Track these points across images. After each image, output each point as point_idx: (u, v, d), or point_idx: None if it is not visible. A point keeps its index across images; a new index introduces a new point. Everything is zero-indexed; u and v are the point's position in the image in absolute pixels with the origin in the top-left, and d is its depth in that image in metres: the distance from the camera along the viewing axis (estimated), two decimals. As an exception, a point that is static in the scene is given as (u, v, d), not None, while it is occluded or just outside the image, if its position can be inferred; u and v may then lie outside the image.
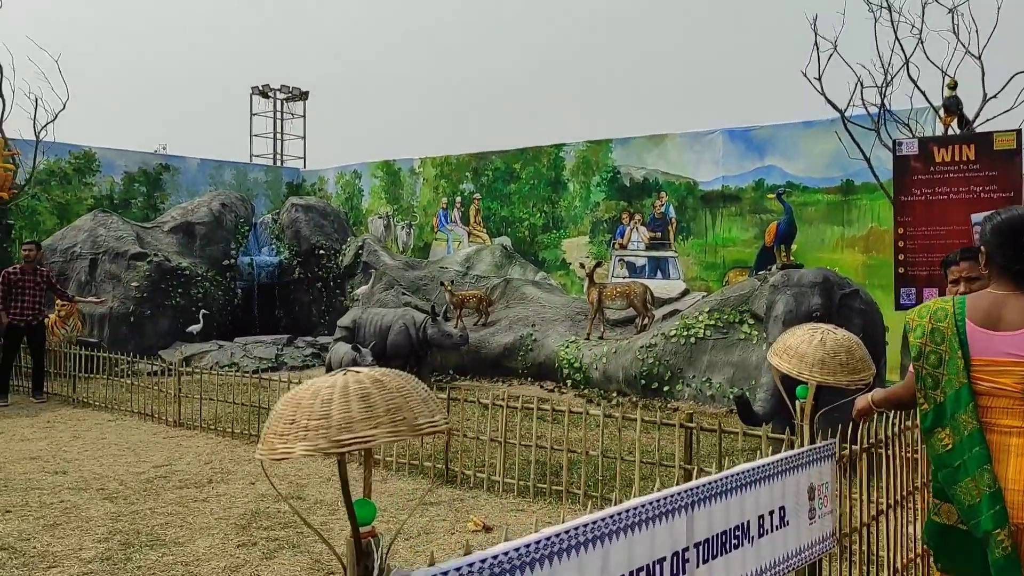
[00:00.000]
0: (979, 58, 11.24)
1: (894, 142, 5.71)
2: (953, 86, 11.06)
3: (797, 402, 3.62)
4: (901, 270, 5.82)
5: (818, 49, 11.64)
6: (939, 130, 12.02)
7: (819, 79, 11.54)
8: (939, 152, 5.70)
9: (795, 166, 15.06)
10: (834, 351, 3.44)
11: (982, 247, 3.13)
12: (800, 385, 3.57)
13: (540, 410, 7.07)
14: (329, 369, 13.49)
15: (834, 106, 11.58)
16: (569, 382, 13.19)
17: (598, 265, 14.42)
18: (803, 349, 3.46)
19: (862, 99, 11.73)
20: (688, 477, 6.11)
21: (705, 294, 14.34)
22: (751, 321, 11.87)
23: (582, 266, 14.24)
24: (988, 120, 10.95)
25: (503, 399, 7.29)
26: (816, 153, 14.84)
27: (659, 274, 16.63)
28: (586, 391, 12.76)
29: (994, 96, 10.77)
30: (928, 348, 3.10)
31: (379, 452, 7.97)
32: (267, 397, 9.93)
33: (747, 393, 7.52)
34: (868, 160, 11.55)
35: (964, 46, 11.32)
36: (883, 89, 11.48)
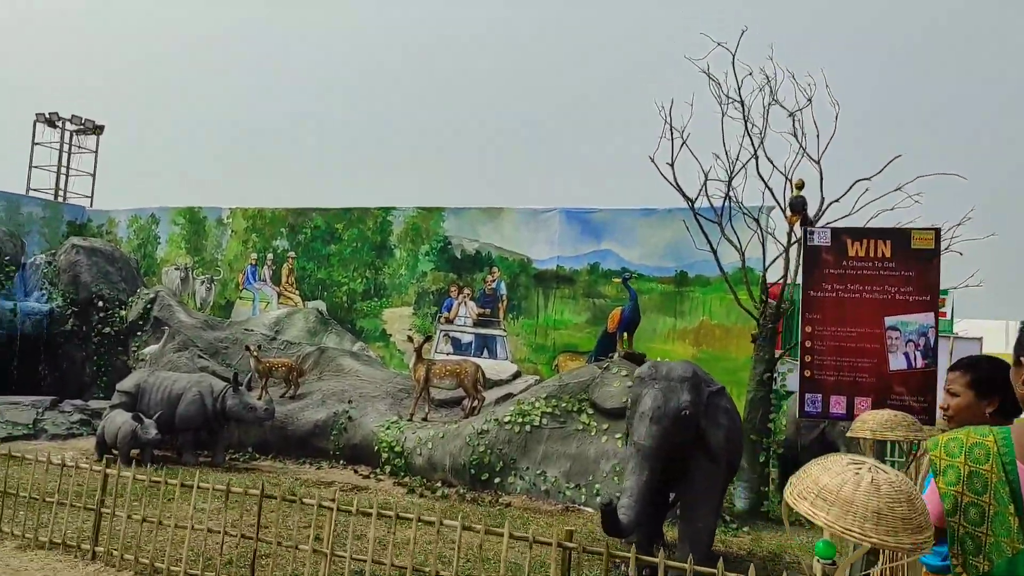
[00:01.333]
0: (818, 162, 11.39)
1: (805, 230, 5.14)
2: (800, 186, 11.10)
3: (816, 562, 2.63)
4: (807, 373, 5.18)
5: (672, 137, 11.41)
6: (783, 227, 12.07)
7: (671, 165, 11.28)
8: (853, 245, 5.18)
9: (631, 253, 14.81)
10: (893, 500, 2.48)
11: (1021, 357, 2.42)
12: (823, 540, 2.57)
13: (382, 515, 5.76)
14: (102, 441, 11.34)
15: (683, 194, 11.34)
16: (388, 468, 11.81)
17: (427, 339, 13.29)
18: (848, 494, 2.46)
19: (704, 191, 11.55)
20: (567, 613, 5.03)
21: (538, 378, 13.56)
22: (590, 411, 11.15)
23: (410, 339, 13.08)
24: (830, 223, 11.05)
25: (332, 499, 5.93)
26: (653, 241, 14.68)
27: (486, 352, 15.73)
28: (407, 479, 11.45)
29: (836, 200, 10.90)
30: (966, 499, 2.30)
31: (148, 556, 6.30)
32: (19, 474, 7.89)
33: (612, 499, 6.59)
34: (715, 251, 11.33)
35: (803, 149, 11.45)
36: (730, 182, 11.38)
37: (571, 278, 15.23)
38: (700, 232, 12.60)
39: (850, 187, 10.86)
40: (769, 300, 11.13)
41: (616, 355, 11.52)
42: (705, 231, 12.22)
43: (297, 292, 18.12)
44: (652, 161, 11.82)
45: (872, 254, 5.24)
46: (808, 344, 5.23)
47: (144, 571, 6.37)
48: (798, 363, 15.20)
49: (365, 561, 5.72)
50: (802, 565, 8.15)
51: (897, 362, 5.14)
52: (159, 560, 6.44)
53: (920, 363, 5.12)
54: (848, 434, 4.42)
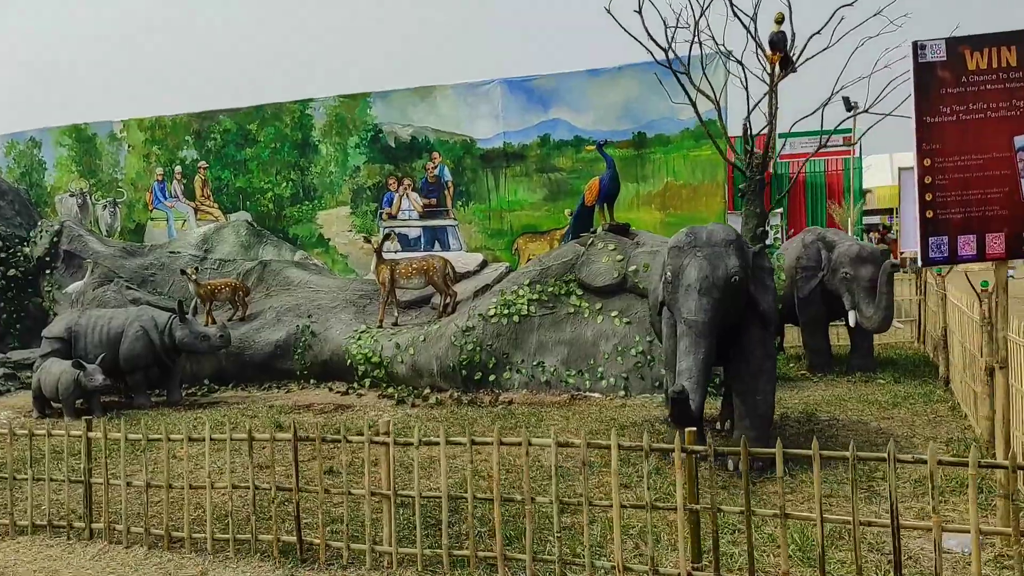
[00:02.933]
0: (787, -3, 10.49)
1: (915, 45, 4.28)
2: (780, 20, 10.27)
3: None
4: (928, 213, 4.47)
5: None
6: (727, 81, 11.28)
7: (639, 11, 10.20)
8: (972, 57, 4.39)
9: (584, 118, 13.83)
10: None
11: None
12: None
13: (451, 441, 4.87)
14: (40, 395, 10.01)
15: (656, 42, 10.34)
16: (367, 381, 10.89)
17: (387, 239, 12.17)
18: None
19: (667, 43, 10.56)
20: (697, 526, 4.34)
21: (507, 266, 12.67)
22: (579, 292, 10.42)
23: (367, 240, 11.93)
24: (810, 59, 10.31)
25: (385, 432, 5.00)
26: (606, 104, 13.71)
27: (437, 246, 14.70)
28: (391, 390, 10.58)
29: (817, 32, 10.12)
30: None
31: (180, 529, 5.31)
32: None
33: (683, 386, 5.87)
34: (694, 103, 10.46)
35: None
36: (696, 25, 10.41)
37: (521, 154, 14.19)
38: (660, 87, 11.74)
39: (832, 14, 10.09)
40: (755, 150, 10.43)
41: (600, 229, 10.71)
42: (665, 87, 11.35)
43: (216, 205, 16.50)
44: (609, 12, 10.73)
45: (995, 64, 4.46)
46: (928, 180, 4.49)
47: (159, 543, 5.38)
48: (779, 218, 14.76)
49: (437, 497, 4.87)
50: (836, 420, 7.80)
51: (1032, 188, 4.45)
52: (177, 529, 5.45)
53: (1058, 187, 4.44)
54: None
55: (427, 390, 10.38)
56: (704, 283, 6.32)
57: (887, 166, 31.35)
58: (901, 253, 12.23)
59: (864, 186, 27.46)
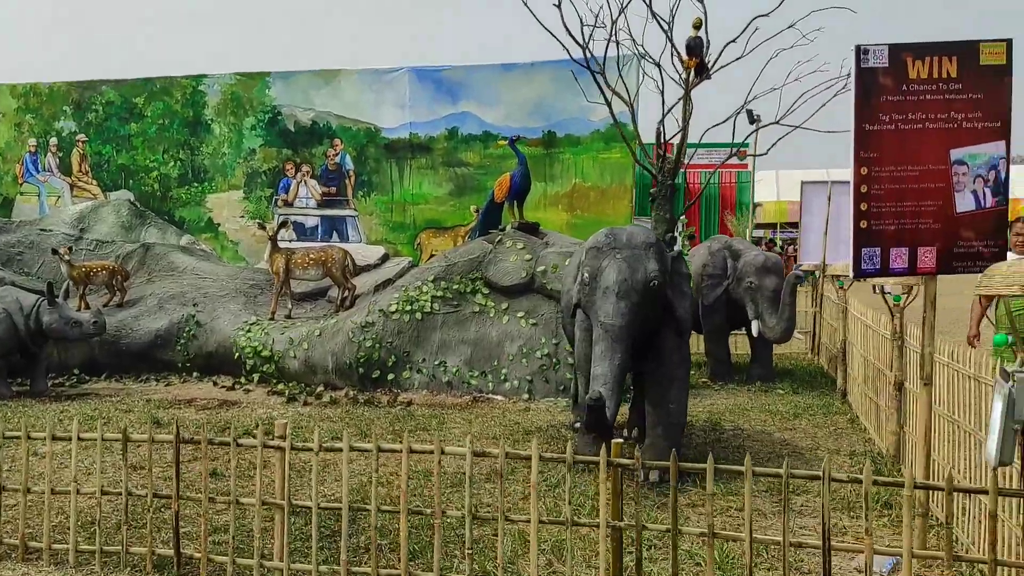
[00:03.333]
0: (701, 1, 10.44)
1: (858, 49, 4.15)
2: (698, 25, 10.20)
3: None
4: (863, 223, 4.34)
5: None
6: (642, 84, 11.22)
7: (558, 5, 9.94)
8: (914, 66, 4.28)
9: (493, 113, 13.52)
10: None
11: None
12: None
13: (330, 448, 4.43)
14: None
15: (576, 40, 10.10)
16: (256, 376, 10.25)
17: (283, 226, 11.51)
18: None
19: (584, 41, 10.36)
20: (620, 543, 4.06)
21: (410, 260, 12.21)
22: (485, 290, 10.09)
23: (262, 227, 11.24)
24: (724, 67, 10.30)
25: (280, 436, 4.52)
26: (516, 100, 13.44)
27: (335, 236, 14.09)
28: (280, 386, 9.97)
29: (733, 41, 10.10)
30: None
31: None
32: None
33: (600, 392, 5.62)
34: (609, 103, 10.28)
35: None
36: (614, 24, 10.23)
37: (427, 146, 13.75)
38: (573, 87, 11.57)
39: (748, 24, 10.09)
40: (666, 155, 10.34)
41: (509, 227, 10.40)
42: (580, 85, 11.18)
43: (94, 182, 15.37)
44: (526, 5, 10.45)
45: (936, 74, 4.37)
46: (864, 189, 4.36)
47: (12, 554, 4.74)
48: (682, 232, 14.74)
49: (338, 507, 4.43)
50: (740, 431, 7.74)
51: (965, 202, 4.40)
52: (35, 539, 4.81)
53: (990, 201, 4.41)
54: (979, 291, 3.62)
55: (320, 388, 9.84)
56: (623, 286, 6.09)
57: (773, 182, 32.49)
58: (799, 266, 12.41)
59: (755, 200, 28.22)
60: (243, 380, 10.27)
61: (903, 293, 6.24)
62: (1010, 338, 3.74)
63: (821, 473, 3.68)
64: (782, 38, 10.08)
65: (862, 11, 10.25)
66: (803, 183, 12.21)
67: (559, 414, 8.78)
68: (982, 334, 6.83)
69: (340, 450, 4.38)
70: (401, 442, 4.31)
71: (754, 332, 9.98)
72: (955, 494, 3.62)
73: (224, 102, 14.64)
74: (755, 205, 28.91)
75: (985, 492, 3.49)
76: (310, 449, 4.43)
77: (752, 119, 14.37)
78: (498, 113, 13.47)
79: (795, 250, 17.38)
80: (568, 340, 7.74)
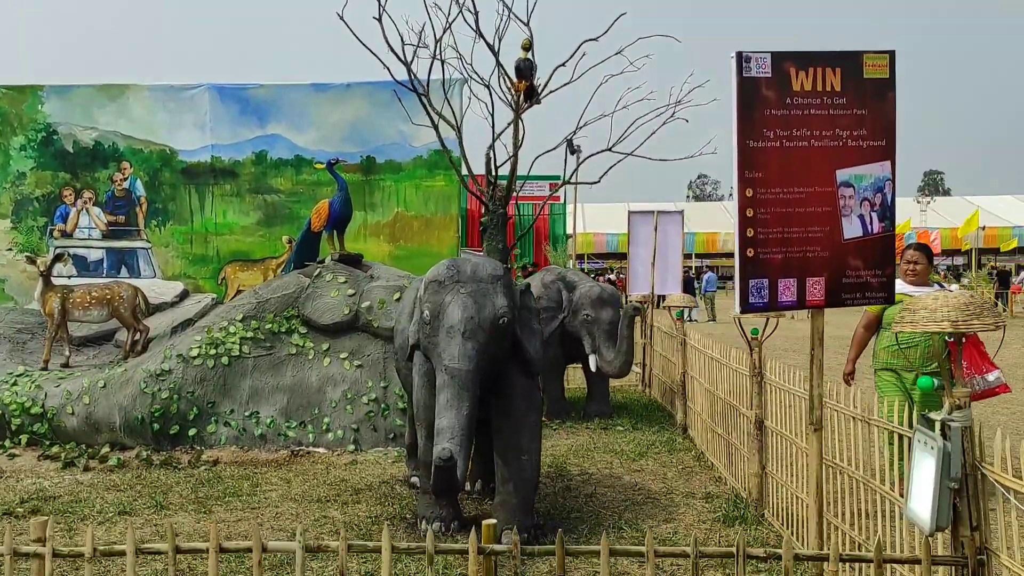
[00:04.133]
0: (527, 24, 10.04)
1: (739, 56, 3.73)
2: (527, 47, 9.76)
3: None
4: (749, 252, 3.88)
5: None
6: (473, 106, 10.71)
7: (379, 19, 9.15)
8: (798, 76, 3.90)
9: (305, 137, 12.44)
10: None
11: None
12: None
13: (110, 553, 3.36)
14: None
15: (399, 58, 9.34)
16: (24, 438, 8.59)
17: (58, 259, 9.85)
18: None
19: (406, 60, 9.66)
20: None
21: (214, 297, 10.85)
22: (302, 330, 9.06)
23: (31, 260, 9.54)
24: (555, 91, 9.91)
25: (38, 540, 3.38)
26: (331, 123, 12.44)
27: (125, 271, 12.43)
28: (55, 449, 8.41)
29: (562, 64, 9.73)
30: None
31: None
32: None
33: (448, 449, 4.84)
34: (436, 126, 9.58)
35: (509, 9, 9.98)
36: (438, 48, 9.61)
37: (232, 171, 12.44)
38: (391, 110, 10.91)
39: (577, 48, 9.77)
40: (498, 182, 9.78)
41: (328, 259, 9.42)
42: (404, 108, 10.47)
43: None
44: (341, 18, 9.60)
45: (820, 87, 4.00)
46: (749, 213, 3.89)
47: None
48: (516, 264, 14.28)
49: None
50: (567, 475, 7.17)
51: (852, 228, 4.05)
52: None
53: (877, 227, 4.07)
54: (901, 328, 3.18)
55: (106, 448, 8.37)
56: (469, 324, 5.37)
57: (579, 215, 33.28)
58: (629, 296, 12.24)
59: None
60: (7, 444, 8.59)
61: (763, 325, 5.91)
62: (936, 381, 3.33)
63: (735, 549, 3.09)
64: (611, 64, 9.86)
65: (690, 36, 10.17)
66: (630, 212, 12.08)
67: (391, 466, 7.89)
68: (857, 370, 6.62)
69: (122, 553, 3.31)
70: (208, 529, 3.31)
71: (592, 367, 9.55)
72: (885, 566, 3.14)
73: (-13, 118, 12.62)
74: (567, 236, 29.30)
75: (918, 561, 3.02)
76: (81, 555, 3.33)
77: (573, 149, 14.17)
78: (311, 136, 12.41)
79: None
80: (403, 385, 6.89)
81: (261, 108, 12.47)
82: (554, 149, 10.44)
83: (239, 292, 11.66)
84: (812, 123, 4.01)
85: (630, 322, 9.30)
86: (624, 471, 7.60)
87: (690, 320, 18.06)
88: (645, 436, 9.02)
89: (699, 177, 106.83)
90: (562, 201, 23.88)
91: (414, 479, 7.08)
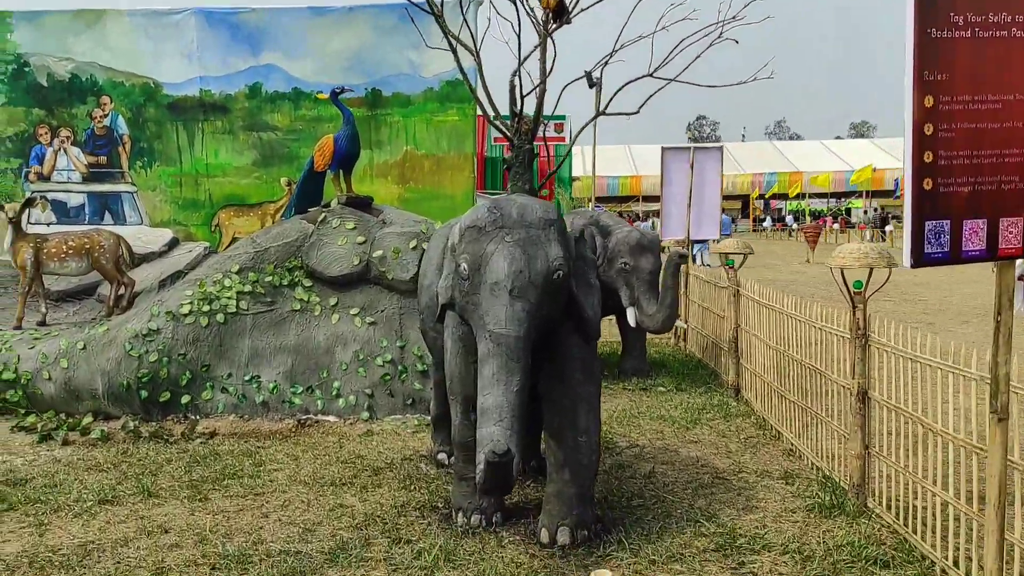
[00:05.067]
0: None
1: None
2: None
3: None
4: (926, 183, 2.80)
5: None
6: (492, 29, 9.53)
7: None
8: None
9: (303, 67, 11.28)
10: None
11: None
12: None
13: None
14: None
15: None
16: (-5, 407, 7.62)
17: (30, 204, 8.75)
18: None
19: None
20: None
21: (207, 246, 9.79)
22: (307, 283, 8.04)
23: (0, 207, 8.46)
24: (587, 8, 8.72)
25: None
26: (331, 51, 11.27)
27: (109, 217, 11.37)
28: (32, 419, 7.44)
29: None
30: None
31: None
32: None
33: (506, 442, 3.87)
34: (454, 50, 8.43)
35: None
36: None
37: (223, 106, 11.29)
38: (399, 36, 9.84)
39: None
40: (525, 113, 8.66)
41: (334, 202, 8.34)
42: (412, 32, 9.30)
43: None
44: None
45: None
46: (927, 130, 2.84)
47: None
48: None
49: None
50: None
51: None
52: None
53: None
54: None
55: (88, 418, 7.40)
56: (518, 280, 4.35)
57: (580, 158, 32.17)
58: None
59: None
60: (-24, 413, 7.63)
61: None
62: None
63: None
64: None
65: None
66: (663, 149, 10.95)
67: (411, 438, 6.94)
68: None
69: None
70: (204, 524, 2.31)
71: (630, 321, 8.55)
72: None
73: (-51, 49, 11.41)
74: (573, 179, 28.14)
75: None
76: None
77: (592, 83, 13.01)
78: (309, 66, 11.24)
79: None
80: (430, 350, 5.89)
81: (253, 35, 11.28)
82: (573, 83, 9.29)
83: (234, 240, 10.63)
84: (1014, 6, 2.92)
85: (675, 271, 8.26)
86: (679, 442, 6.66)
87: (704, 264, 17.01)
88: (693, 399, 8.07)
89: (698, 119, 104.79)
90: (567, 142, 22.78)
91: (441, 455, 6.16)
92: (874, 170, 42.10)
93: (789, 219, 48.69)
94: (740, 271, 8.26)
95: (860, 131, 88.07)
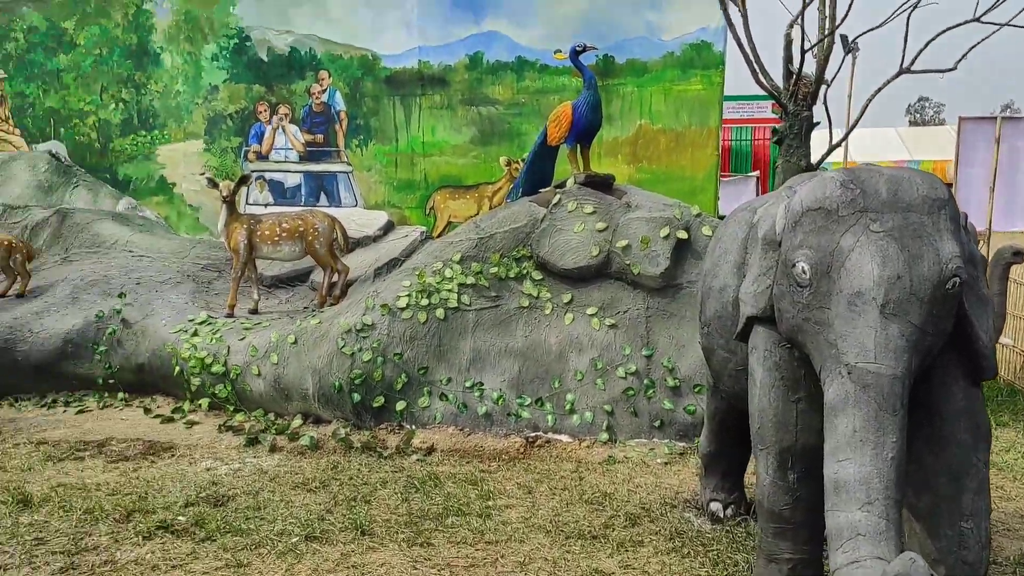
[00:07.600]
0: None
1: None
2: None
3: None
4: None
5: None
6: None
7: None
8: None
9: (529, 34, 10.20)
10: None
11: None
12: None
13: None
14: None
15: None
16: (205, 401, 7.04)
17: (243, 182, 8.17)
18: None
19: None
20: None
21: (423, 230, 8.92)
22: (536, 275, 6.88)
23: (213, 183, 7.91)
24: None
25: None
26: (558, 16, 10.11)
27: (324, 198, 10.84)
28: (240, 417, 6.79)
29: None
30: None
31: None
32: None
33: (915, 559, 2.45)
34: (723, 3, 6.97)
35: None
36: None
37: (442, 78, 10.43)
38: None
39: None
40: (804, 73, 7.06)
41: (570, 181, 7.13)
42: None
43: (16, 131, 12.05)
44: None
45: None
46: None
47: None
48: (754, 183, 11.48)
49: None
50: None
51: None
52: None
53: None
54: None
55: (297, 421, 6.65)
56: (895, 291, 2.90)
57: (824, 142, 29.24)
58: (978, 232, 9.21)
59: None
60: (186, 406, 7.09)
61: None
62: None
63: None
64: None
65: None
66: (961, 119, 8.93)
67: (663, 471, 5.63)
68: None
69: None
70: None
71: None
72: None
73: (176, 25, 11.28)
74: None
75: None
76: None
77: (847, 47, 11.03)
78: (536, 33, 10.13)
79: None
80: (715, 373, 4.51)
81: (476, 1, 10.28)
82: (894, 16, 7.42)
83: (449, 225, 9.74)
84: None
85: (1003, 272, 6.35)
86: (1034, 506, 4.91)
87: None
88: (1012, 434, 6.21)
89: (919, 100, 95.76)
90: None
91: (714, 505, 4.82)
92: None
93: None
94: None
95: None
